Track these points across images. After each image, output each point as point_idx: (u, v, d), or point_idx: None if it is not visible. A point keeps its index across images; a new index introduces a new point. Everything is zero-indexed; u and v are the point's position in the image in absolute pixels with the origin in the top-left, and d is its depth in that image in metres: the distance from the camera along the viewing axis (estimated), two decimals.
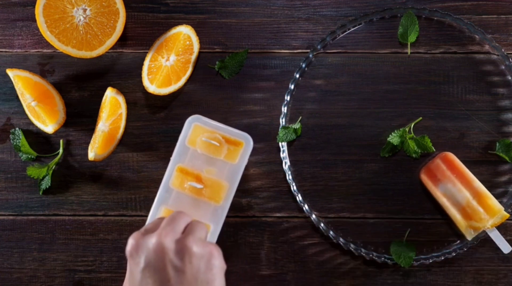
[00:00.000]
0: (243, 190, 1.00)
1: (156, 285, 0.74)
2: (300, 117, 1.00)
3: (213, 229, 0.86)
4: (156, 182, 1.01)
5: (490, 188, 0.97)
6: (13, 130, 1.01)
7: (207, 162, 0.87)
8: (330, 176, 1.00)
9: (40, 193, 1.01)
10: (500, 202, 0.97)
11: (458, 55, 1.00)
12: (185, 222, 0.79)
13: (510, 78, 0.99)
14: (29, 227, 1.01)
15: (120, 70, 1.01)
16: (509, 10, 1.00)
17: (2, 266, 1.02)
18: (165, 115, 1.01)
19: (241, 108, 1.01)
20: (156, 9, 1.01)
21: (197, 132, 0.87)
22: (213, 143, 0.87)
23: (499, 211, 0.95)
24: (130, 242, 0.77)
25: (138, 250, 0.75)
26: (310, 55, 1.00)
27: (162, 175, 0.89)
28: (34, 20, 1.01)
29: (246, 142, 0.88)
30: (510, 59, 0.98)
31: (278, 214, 1.00)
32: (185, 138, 0.87)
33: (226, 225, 0.99)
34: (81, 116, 1.01)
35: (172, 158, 0.87)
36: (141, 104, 1.01)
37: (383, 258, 0.98)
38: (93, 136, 1.00)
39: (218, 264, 0.76)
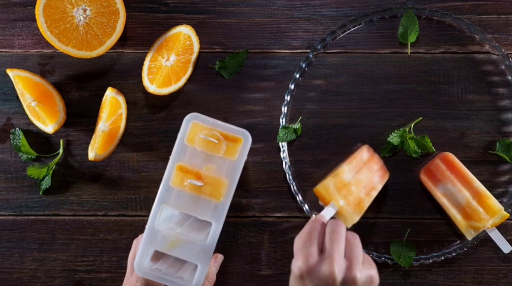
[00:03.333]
0: (243, 190, 1.00)
1: None
2: (300, 117, 1.00)
3: (215, 226, 0.86)
4: (156, 182, 1.01)
5: (490, 188, 0.97)
6: (13, 130, 1.01)
7: (207, 160, 0.87)
8: None
9: (40, 193, 1.01)
10: (500, 202, 0.97)
11: (458, 55, 1.00)
12: (344, 238, 0.79)
13: (510, 78, 0.99)
14: (29, 227, 1.01)
15: (120, 70, 1.01)
16: (509, 10, 1.00)
17: (2, 266, 1.02)
18: (165, 115, 1.01)
19: (241, 108, 1.01)
20: (156, 9, 1.01)
21: (195, 130, 0.87)
22: (212, 140, 0.87)
23: (499, 211, 0.95)
24: (300, 265, 0.77)
25: (310, 275, 0.76)
26: (310, 55, 1.00)
27: (163, 175, 0.89)
28: (34, 20, 1.01)
29: (244, 138, 0.87)
30: (510, 59, 0.98)
31: (278, 214, 1.00)
32: (183, 136, 0.87)
33: (226, 225, 0.99)
34: (81, 116, 1.02)
35: (171, 157, 0.87)
36: (141, 104, 1.01)
37: (383, 258, 0.98)
38: (93, 136, 1.00)
39: None
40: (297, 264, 0.77)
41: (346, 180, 0.94)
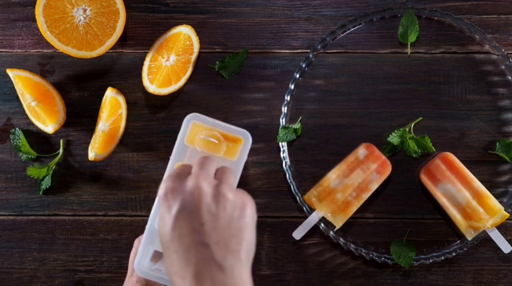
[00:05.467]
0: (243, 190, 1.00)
1: (190, 228, 0.73)
2: (300, 117, 1.00)
3: None
4: (156, 182, 1.01)
5: (490, 188, 0.97)
6: (13, 130, 1.01)
7: None
8: None
9: (40, 193, 1.01)
10: (500, 202, 0.97)
11: (458, 55, 1.00)
12: (214, 167, 0.78)
13: (510, 78, 0.99)
14: (29, 227, 1.01)
15: (120, 70, 1.01)
16: (509, 10, 1.00)
17: (2, 266, 1.02)
18: (165, 115, 1.01)
19: (241, 108, 1.01)
20: (156, 9, 1.01)
21: (196, 130, 0.87)
22: (212, 141, 0.87)
23: (499, 211, 0.96)
24: (166, 185, 0.75)
25: (175, 192, 0.74)
26: (310, 55, 1.00)
27: (162, 175, 0.89)
28: (34, 20, 1.01)
29: (245, 139, 0.87)
30: (510, 59, 0.98)
31: (278, 214, 1.00)
32: (183, 136, 0.87)
33: None
34: (81, 116, 1.02)
35: (171, 157, 0.87)
36: (141, 104, 1.01)
37: (383, 258, 0.98)
38: (93, 136, 1.00)
39: (251, 214, 0.76)
40: (161, 186, 0.76)
41: (332, 187, 0.97)
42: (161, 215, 0.76)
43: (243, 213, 0.75)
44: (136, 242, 0.95)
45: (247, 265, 0.74)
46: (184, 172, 0.78)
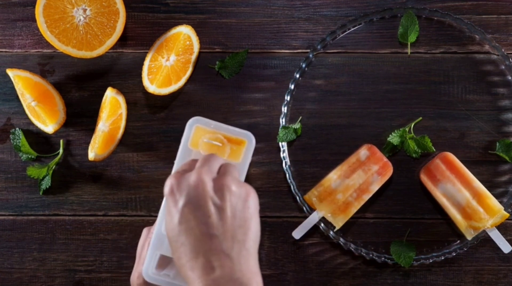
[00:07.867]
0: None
1: (197, 221, 0.74)
2: (300, 117, 1.00)
3: None
4: (156, 182, 1.01)
5: (490, 188, 0.97)
6: (13, 130, 1.01)
7: None
8: None
9: (40, 193, 1.01)
10: (500, 202, 0.97)
11: (458, 55, 1.00)
12: (218, 163, 0.80)
13: (510, 78, 0.99)
14: (29, 227, 1.01)
15: (120, 70, 1.01)
16: (509, 10, 1.00)
17: (2, 266, 1.02)
18: (165, 115, 1.01)
19: (241, 108, 1.01)
20: (156, 9, 1.01)
21: (199, 133, 0.87)
22: (216, 144, 0.86)
23: (499, 211, 0.96)
24: (170, 181, 0.77)
25: (180, 187, 0.76)
26: (310, 55, 1.00)
27: (163, 175, 0.89)
28: (34, 20, 1.01)
29: (248, 140, 0.87)
30: (510, 59, 0.98)
31: (278, 214, 1.00)
32: (187, 141, 0.86)
33: None
34: (81, 116, 1.02)
35: (175, 162, 0.86)
36: (141, 104, 1.01)
37: (383, 258, 0.98)
38: (93, 136, 1.00)
39: (254, 204, 0.77)
40: (167, 183, 0.77)
41: (333, 188, 0.97)
42: (167, 210, 0.77)
43: (246, 204, 0.77)
44: (145, 231, 0.92)
45: (253, 254, 0.76)
46: (188, 169, 0.80)
